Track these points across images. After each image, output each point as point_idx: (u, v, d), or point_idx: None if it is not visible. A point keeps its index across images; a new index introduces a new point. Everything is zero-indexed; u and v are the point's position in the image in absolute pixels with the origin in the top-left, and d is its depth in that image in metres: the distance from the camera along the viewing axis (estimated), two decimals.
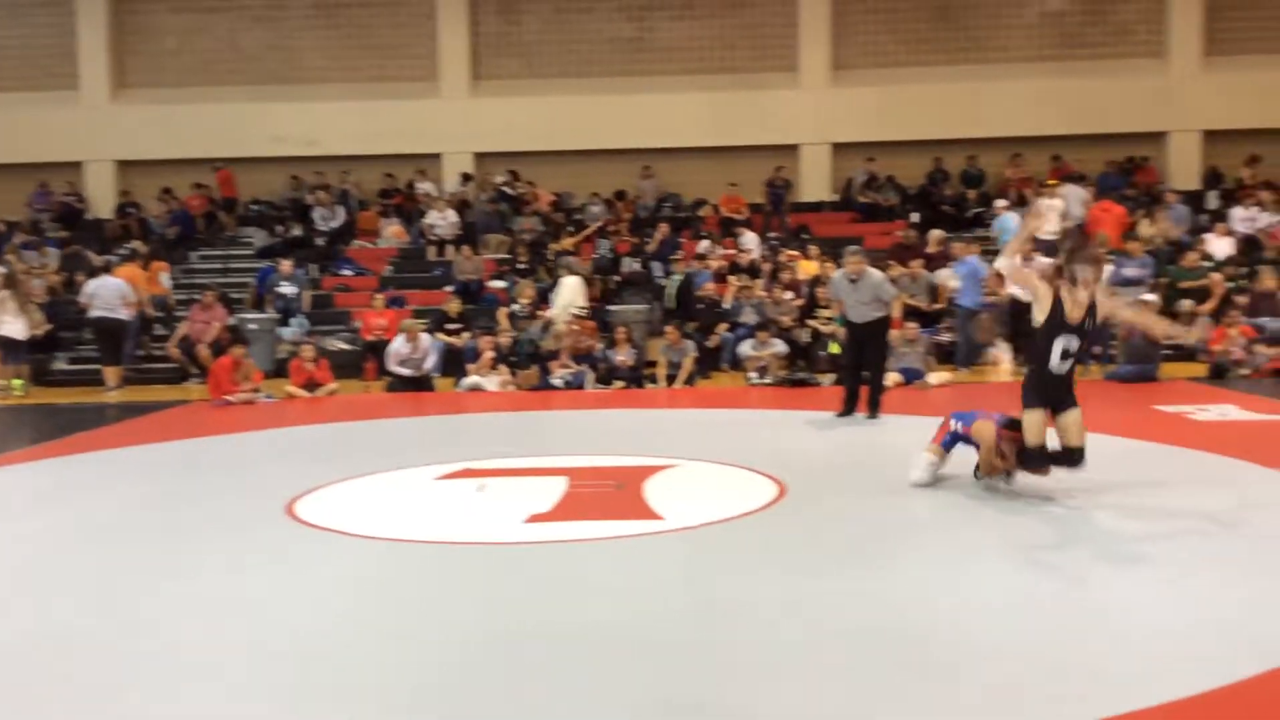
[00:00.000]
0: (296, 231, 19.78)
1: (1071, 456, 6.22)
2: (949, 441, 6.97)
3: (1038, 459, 6.23)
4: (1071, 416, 6.24)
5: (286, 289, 16.93)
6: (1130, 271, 13.91)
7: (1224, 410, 10.07)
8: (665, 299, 16.12)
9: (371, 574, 5.55)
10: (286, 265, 17.24)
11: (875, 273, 10.59)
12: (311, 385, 13.62)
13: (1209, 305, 14.47)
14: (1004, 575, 5.20)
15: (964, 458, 7.08)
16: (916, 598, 4.88)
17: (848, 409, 10.40)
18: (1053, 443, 6.35)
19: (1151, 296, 13.77)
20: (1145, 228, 16.91)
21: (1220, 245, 16.60)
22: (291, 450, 9.82)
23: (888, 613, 4.67)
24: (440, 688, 3.98)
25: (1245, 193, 18.77)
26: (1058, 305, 6.24)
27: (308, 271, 18.20)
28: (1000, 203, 18.42)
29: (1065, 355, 6.26)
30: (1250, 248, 16.87)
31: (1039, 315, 6.27)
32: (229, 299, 16.59)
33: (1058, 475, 6.52)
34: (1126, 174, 20.08)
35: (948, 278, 15.20)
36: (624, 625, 4.62)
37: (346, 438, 10.52)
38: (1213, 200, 19.49)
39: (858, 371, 10.53)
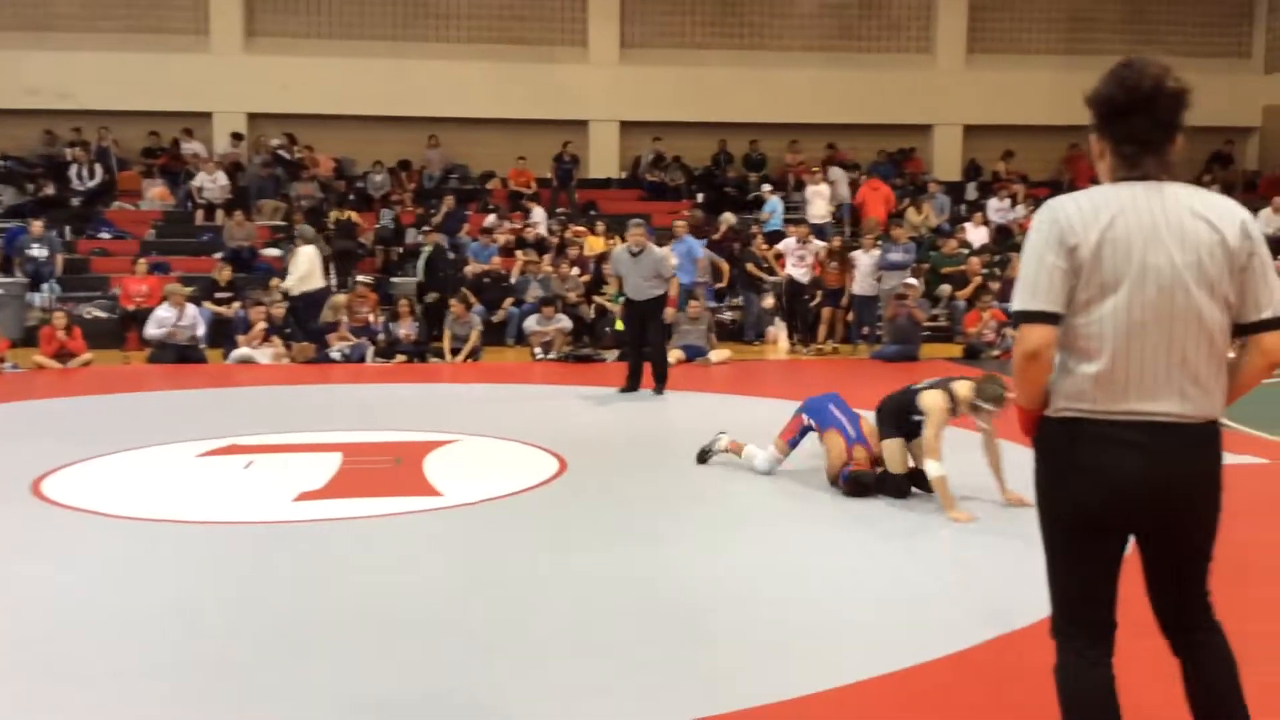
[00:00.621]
0: (49, 190, 18.36)
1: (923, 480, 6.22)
2: (796, 440, 6.72)
3: (897, 486, 6.21)
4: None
5: (37, 251, 15.70)
6: (895, 256, 14.63)
7: None
8: (415, 270, 15.63)
9: (122, 556, 5.22)
10: (37, 226, 15.96)
11: (657, 249, 10.70)
12: (64, 355, 12.71)
13: (967, 290, 15.40)
14: (775, 548, 5.37)
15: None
16: (688, 573, 4.97)
17: (631, 385, 10.52)
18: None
19: (914, 280, 14.54)
20: (912, 216, 17.84)
21: (977, 234, 17.72)
22: (40, 424, 9.13)
23: (657, 587, 4.75)
24: (187, 670, 3.79)
25: (1000, 185, 20.09)
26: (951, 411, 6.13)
27: (62, 234, 16.94)
28: (766, 187, 19.01)
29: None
30: (1002, 236, 18.05)
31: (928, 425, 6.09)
32: None
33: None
34: (896, 164, 21.11)
35: (665, 255, 15.46)
36: (387, 604, 4.51)
37: (101, 412, 9.86)
38: (971, 191, 20.76)
39: (640, 348, 10.61)
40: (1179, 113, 2.50)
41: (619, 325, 13.94)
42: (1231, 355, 2.57)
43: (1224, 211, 2.49)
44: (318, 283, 14.34)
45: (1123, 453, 2.45)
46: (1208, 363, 2.47)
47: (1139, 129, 2.49)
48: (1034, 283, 2.47)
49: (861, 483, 6.23)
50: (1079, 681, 2.58)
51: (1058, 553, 2.59)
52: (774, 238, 16.60)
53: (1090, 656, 2.57)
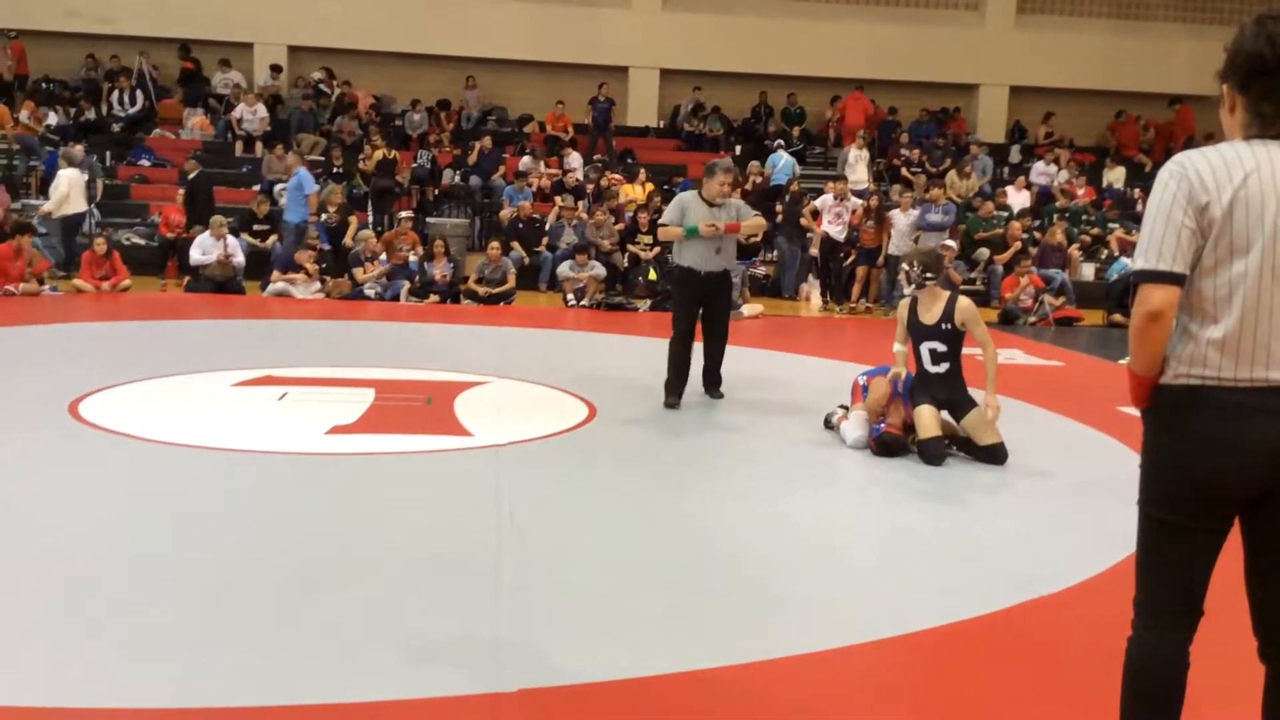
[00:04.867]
0: (90, 115, 18.43)
1: (994, 454, 6.20)
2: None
3: (932, 451, 6.16)
4: (976, 416, 6.29)
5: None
6: (934, 217, 14.49)
7: (1011, 354, 10.66)
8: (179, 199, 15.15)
9: (154, 480, 5.30)
10: (79, 150, 16.04)
11: (742, 203, 7.88)
12: (103, 280, 12.83)
13: (1005, 255, 15.25)
14: (798, 505, 5.38)
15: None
16: (710, 523, 4.98)
17: (676, 397, 7.49)
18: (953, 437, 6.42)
19: (950, 242, 14.41)
20: (954, 180, 17.56)
21: (1018, 198, 17.48)
22: (79, 347, 9.26)
23: (678, 536, 4.76)
24: (209, 598, 3.84)
25: (1043, 148, 19.78)
26: (912, 312, 6.45)
27: (102, 159, 17.02)
28: (778, 143, 18.67)
29: (936, 359, 6.41)
30: (1043, 201, 17.81)
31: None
32: (13, 182, 15.36)
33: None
34: (939, 123, 20.80)
35: (280, 192, 15.05)
36: (413, 541, 4.55)
37: (139, 337, 9.97)
38: (1015, 154, 20.45)
39: (689, 340, 7.55)
40: None
41: (653, 275, 13.93)
42: None
43: None
44: (79, 206, 14.25)
45: (1253, 419, 2.35)
46: None
47: None
48: (1160, 242, 2.37)
49: (890, 446, 6.25)
50: (1161, 665, 2.50)
51: (1164, 527, 2.47)
52: (774, 193, 16.52)
53: (1177, 639, 2.50)
